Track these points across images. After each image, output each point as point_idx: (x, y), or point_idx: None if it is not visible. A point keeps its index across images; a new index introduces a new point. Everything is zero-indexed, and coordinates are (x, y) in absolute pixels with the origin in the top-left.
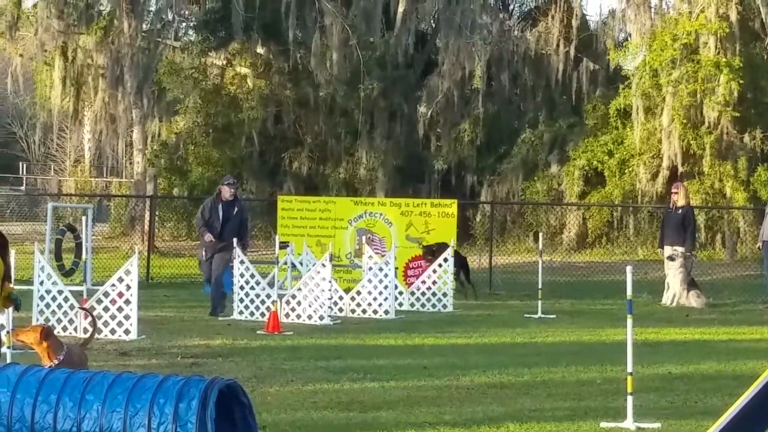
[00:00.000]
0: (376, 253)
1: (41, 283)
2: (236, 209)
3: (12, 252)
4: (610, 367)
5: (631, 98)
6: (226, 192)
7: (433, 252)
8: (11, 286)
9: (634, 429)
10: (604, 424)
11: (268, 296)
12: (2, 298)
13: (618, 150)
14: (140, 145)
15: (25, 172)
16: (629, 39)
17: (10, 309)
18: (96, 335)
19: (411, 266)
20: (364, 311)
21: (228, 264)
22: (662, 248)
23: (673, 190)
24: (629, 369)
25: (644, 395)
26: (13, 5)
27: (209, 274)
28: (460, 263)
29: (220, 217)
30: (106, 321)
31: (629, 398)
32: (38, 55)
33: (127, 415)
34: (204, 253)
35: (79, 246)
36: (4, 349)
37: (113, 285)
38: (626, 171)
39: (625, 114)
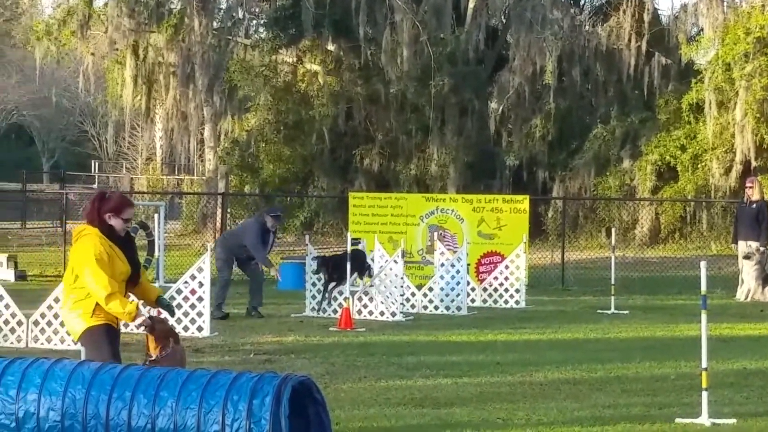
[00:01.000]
0: (448, 249)
1: None
2: (272, 237)
3: None
4: (685, 363)
5: (703, 93)
6: (272, 224)
7: (327, 264)
8: (157, 288)
9: (709, 425)
10: (678, 420)
11: (341, 293)
12: (149, 300)
13: (691, 145)
14: (211, 142)
15: (97, 170)
16: (701, 33)
17: None
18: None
19: (483, 262)
20: (436, 307)
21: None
22: (736, 243)
23: (747, 185)
24: (704, 365)
25: (719, 391)
26: (85, 4)
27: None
28: (359, 264)
29: (270, 245)
30: (179, 318)
31: (704, 394)
32: (109, 54)
33: (201, 411)
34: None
35: (151, 243)
36: (78, 346)
37: (185, 282)
38: (699, 166)
39: (698, 108)
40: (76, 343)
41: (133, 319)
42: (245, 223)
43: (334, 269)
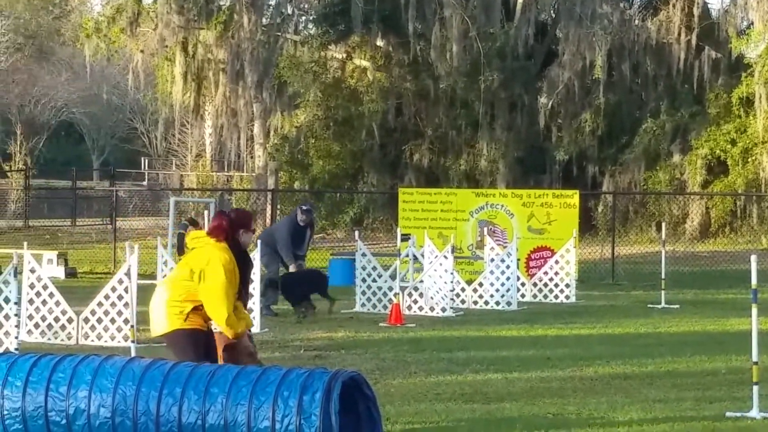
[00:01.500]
0: (498, 244)
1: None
2: (309, 232)
3: (136, 247)
4: (735, 357)
5: (753, 86)
6: (303, 219)
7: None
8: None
9: (759, 419)
10: (729, 414)
11: (390, 288)
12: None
13: (741, 138)
14: (261, 138)
15: (147, 167)
16: (752, 27)
17: (134, 304)
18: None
19: (533, 257)
20: (486, 303)
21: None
22: None
23: None
24: (754, 358)
25: None
26: (134, 1)
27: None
28: (315, 283)
29: (306, 240)
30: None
31: (755, 388)
32: (159, 51)
33: (251, 407)
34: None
35: None
36: (128, 343)
37: None
38: (749, 159)
39: (748, 102)
40: (155, 339)
41: (236, 337)
42: (277, 223)
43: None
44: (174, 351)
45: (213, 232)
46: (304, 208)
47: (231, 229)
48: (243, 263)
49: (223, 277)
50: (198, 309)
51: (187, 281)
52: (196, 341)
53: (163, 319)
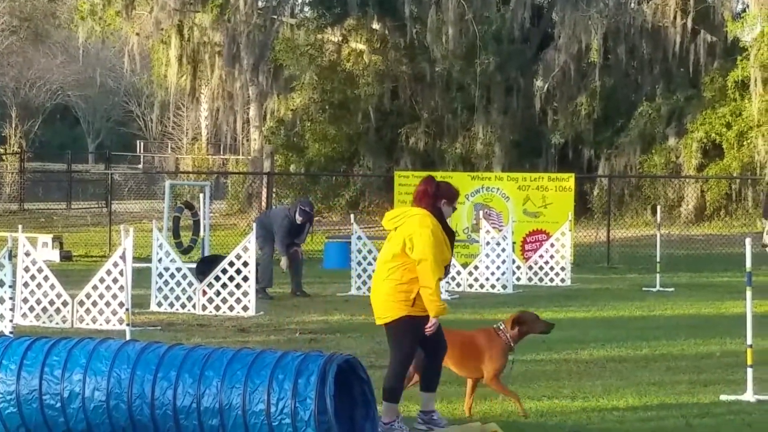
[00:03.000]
0: (494, 227)
1: (159, 260)
2: (307, 227)
3: (131, 230)
4: (730, 340)
5: (749, 70)
6: (300, 218)
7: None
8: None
9: (754, 401)
10: (723, 397)
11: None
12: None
13: (736, 122)
14: (257, 122)
15: (142, 151)
16: (747, 10)
17: (129, 288)
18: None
19: (528, 240)
20: (481, 286)
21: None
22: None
23: None
24: (749, 342)
25: (764, 368)
26: None
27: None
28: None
29: (305, 232)
30: (224, 298)
31: (749, 371)
32: (154, 34)
33: (246, 390)
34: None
35: (196, 223)
36: (123, 327)
37: (231, 262)
38: (745, 143)
39: (743, 86)
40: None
41: (436, 316)
42: (278, 211)
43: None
44: (393, 337)
45: (416, 198)
46: (303, 208)
47: (434, 197)
48: (448, 235)
49: (431, 239)
50: None
51: (404, 257)
52: (417, 329)
53: (390, 306)
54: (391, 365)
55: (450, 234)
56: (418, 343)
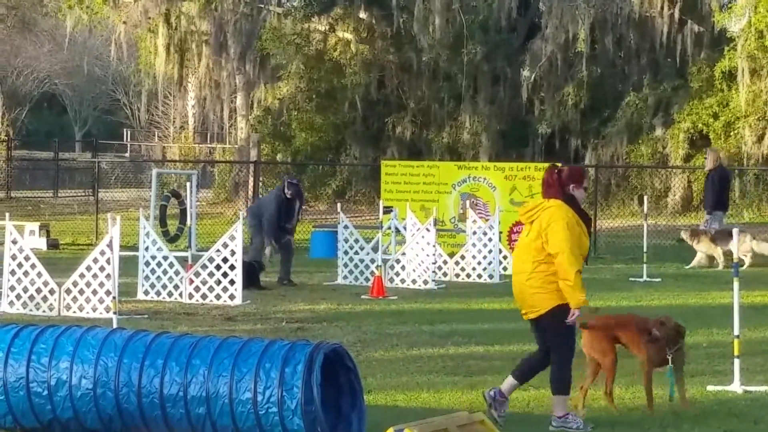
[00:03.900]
0: (480, 217)
1: (146, 249)
2: (298, 205)
3: (118, 218)
4: (717, 331)
5: (736, 60)
6: (289, 191)
7: None
8: None
9: (741, 392)
10: (710, 388)
11: (373, 261)
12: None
13: (723, 112)
14: (244, 111)
15: (129, 139)
16: (734, 1)
17: (116, 276)
18: None
19: (515, 230)
20: (468, 276)
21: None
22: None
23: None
24: (736, 332)
25: (751, 358)
26: None
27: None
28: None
29: (295, 212)
30: (210, 287)
31: (736, 361)
32: (142, 23)
33: (233, 379)
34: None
35: (183, 212)
36: (110, 315)
37: (218, 251)
38: (732, 133)
39: (731, 76)
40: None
41: (576, 307)
42: (267, 196)
43: None
44: (550, 328)
45: (544, 189)
46: (290, 181)
47: (561, 185)
48: (583, 220)
49: (565, 230)
50: None
51: (543, 251)
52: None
53: (542, 299)
54: (555, 356)
55: (586, 219)
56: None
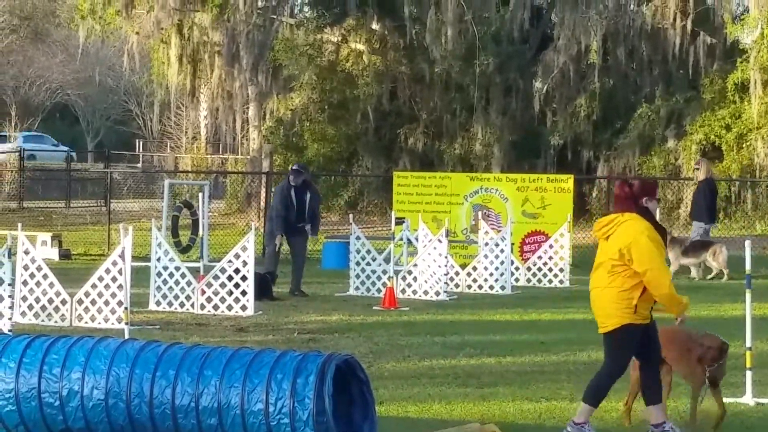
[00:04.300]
0: (492, 228)
1: (158, 259)
2: (308, 196)
3: (130, 229)
4: (729, 343)
5: (749, 72)
6: (293, 179)
7: None
8: None
9: (753, 404)
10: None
11: (384, 272)
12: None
13: (736, 124)
14: (256, 121)
15: (141, 150)
16: (747, 12)
17: (128, 286)
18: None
19: (527, 242)
20: (480, 287)
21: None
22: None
23: (695, 166)
24: (748, 344)
25: (763, 371)
26: None
27: (274, 260)
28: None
29: (294, 204)
30: (222, 297)
31: (748, 373)
32: (154, 33)
33: (244, 390)
34: (275, 241)
35: (195, 223)
36: (122, 325)
37: (230, 261)
38: (744, 145)
39: (743, 88)
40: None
41: (679, 315)
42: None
43: None
44: (612, 346)
45: (618, 204)
46: (294, 168)
47: (635, 198)
48: (659, 234)
49: (649, 244)
50: (645, 294)
51: (623, 265)
52: (636, 338)
53: (613, 314)
54: (606, 368)
55: (662, 232)
56: (634, 353)
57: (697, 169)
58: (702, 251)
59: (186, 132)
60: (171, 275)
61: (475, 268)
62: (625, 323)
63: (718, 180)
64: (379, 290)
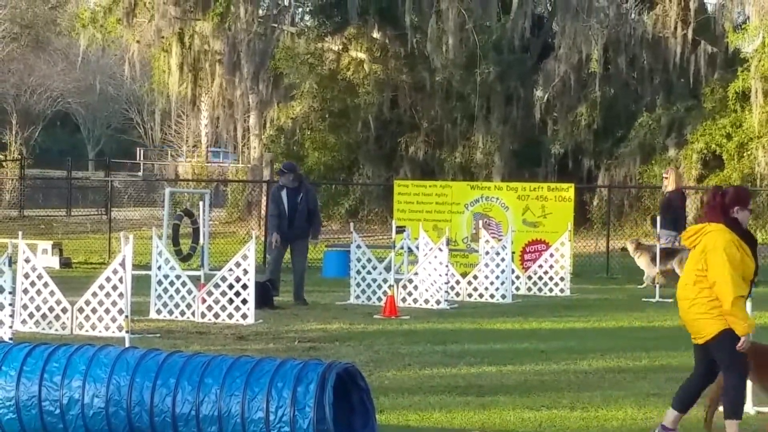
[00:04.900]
0: (493, 237)
1: (159, 268)
2: (301, 196)
3: (130, 237)
4: None
5: (749, 81)
6: (281, 180)
7: None
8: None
9: (753, 413)
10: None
11: (385, 281)
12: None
13: (737, 133)
14: (257, 130)
15: (142, 158)
16: (748, 21)
17: (129, 295)
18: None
19: (528, 250)
20: (480, 295)
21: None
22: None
23: (664, 175)
24: None
25: None
26: None
27: (275, 267)
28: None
29: (286, 205)
30: (223, 306)
31: (748, 383)
32: (155, 42)
33: (245, 398)
34: (273, 243)
35: (196, 231)
36: (123, 334)
37: (230, 270)
38: (745, 154)
39: (744, 97)
40: (702, 344)
41: (742, 335)
42: None
43: None
44: (720, 353)
45: (707, 213)
46: (281, 168)
47: (724, 207)
48: (749, 242)
49: (723, 257)
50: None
51: (705, 277)
52: (736, 340)
53: (708, 324)
54: (727, 381)
55: (751, 241)
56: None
57: (666, 178)
58: (669, 259)
59: (187, 140)
60: (172, 284)
61: (475, 277)
62: (721, 329)
63: (693, 190)
64: (379, 299)
